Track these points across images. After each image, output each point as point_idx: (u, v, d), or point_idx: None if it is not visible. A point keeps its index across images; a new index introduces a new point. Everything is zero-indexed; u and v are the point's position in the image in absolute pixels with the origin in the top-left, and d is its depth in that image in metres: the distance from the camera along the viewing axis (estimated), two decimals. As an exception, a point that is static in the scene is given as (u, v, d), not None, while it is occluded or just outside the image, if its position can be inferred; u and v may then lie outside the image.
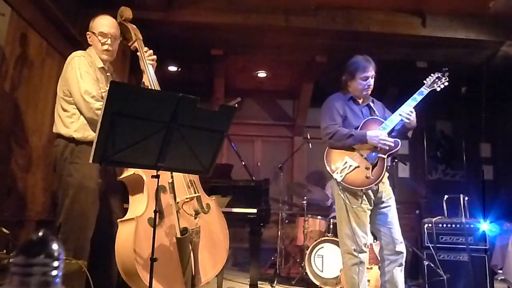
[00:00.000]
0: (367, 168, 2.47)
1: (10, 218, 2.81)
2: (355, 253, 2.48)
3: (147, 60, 2.38)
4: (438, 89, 2.65)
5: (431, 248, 3.62)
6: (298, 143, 6.14)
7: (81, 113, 2.23)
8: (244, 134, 6.23)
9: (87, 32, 2.40)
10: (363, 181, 2.45)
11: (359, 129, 2.59)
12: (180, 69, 5.54)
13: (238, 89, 6.13)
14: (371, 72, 2.65)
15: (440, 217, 3.80)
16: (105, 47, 2.34)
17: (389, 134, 2.53)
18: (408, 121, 2.53)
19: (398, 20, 4.37)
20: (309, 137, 4.93)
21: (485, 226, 3.59)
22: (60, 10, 3.32)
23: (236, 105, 2.86)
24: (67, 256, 1.94)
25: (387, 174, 2.64)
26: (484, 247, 3.51)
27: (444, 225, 3.70)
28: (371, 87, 2.68)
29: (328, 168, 2.56)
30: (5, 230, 1.91)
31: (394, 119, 2.55)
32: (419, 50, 4.77)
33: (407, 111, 2.53)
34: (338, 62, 5.15)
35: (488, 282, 3.43)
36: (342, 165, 2.50)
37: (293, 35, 4.53)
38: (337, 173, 2.49)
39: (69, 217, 2.16)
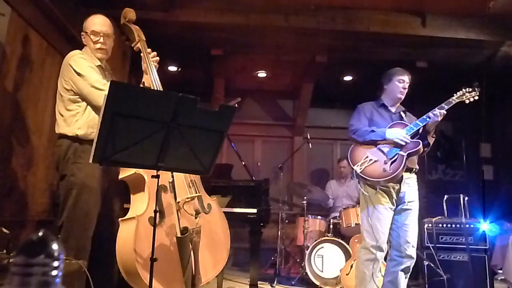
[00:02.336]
0: (385, 162, 2.61)
1: (11, 218, 2.82)
2: (372, 249, 2.58)
3: (152, 62, 2.38)
4: (467, 101, 2.79)
5: (431, 248, 3.62)
6: (298, 143, 6.14)
7: (92, 105, 2.21)
8: (244, 134, 6.23)
9: (82, 33, 2.40)
10: (380, 173, 2.59)
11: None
12: (180, 69, 5.54)
13: (238, 89, 6.13)
14: (407, 78, 2.83)
15: (440, 217, 3.79)
16: (98, 45, 2.34)
17: (413, 137, 2.65)
18: (436, 119, 2.62)
19: (398, 20, 4.37)
20: (309, 137, 4.94)
21: (485, 226, 3.59)
22: (60, 10, 3.32)
23: (236, 105, 2.86)
24: (68, 255, 1.94)
25: (414, 176, 2.78)
26: (484, 247, 3.51)
27: (444, 225, 3.70)
28: (405, 93, 2.82)
29: (351, 163, 2.73)
30: (5, 230, 1.91)
31: (419, 123, 2.67)
32: (419, 50, 4.77)
33: (432, 114, 2.64)
34: (338, 62, 5.22)
35: (488, 282, 3.43)
36: (363, 159, 2.66)
37: (293, 35, 4.53)
38: (358, 165, 2.65)
39: (72, 216, 2.16)
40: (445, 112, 2.65)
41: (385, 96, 2.88)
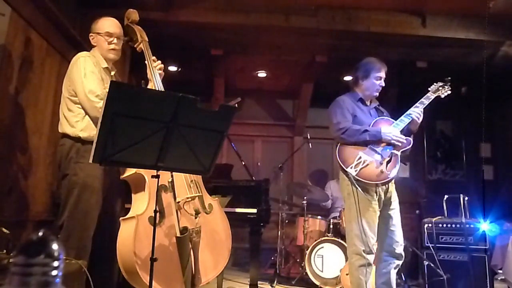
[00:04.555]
0: (380, 163, 2.49)
1: (10, 218, 2.81)
2: (364, 254, 2.46)
3: (156, 70, 2.40)
4: (442, 96, 2.74)
5: (431, 248, 3.62)
6: (298, 143, 6.14)
7: (85, 112, 2.24)
8: (244, 134, 6.23)
9: (90, 34, 2.42)
10: (378, 175, 2.46)
11: (370, 127, 2.62)
12: (180, 69, 5.54)
13: (238, 89, 6.13)
14: (384, 74, 2.72)
15: (440, 217, 3.79)
16: (112, 46, 2.39)
17: (400, 133, 2.59)
18: (418, 120, 2.59)
19: (398, 20, 4.37)
20: (309, 137, 4.94)
21: (485, 226, 3.59)
22: (60, 10, 3.32)
23: (236, 105, 2.86)
24: (69, 255, 1.94)
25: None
26: (484, 247, 3.51)
27: (444, 225, 3.70)
28: (380, 89, 2.74)
29: (341, 164, 2.53)
30: (5, 230, 1.92)
31: (404, 120, 2.60)
32: (419, 50, 4.77)
33: (416, 112, 2.60)
34: (338, 62, 5.22)
35: (488, 282, 3.43)
36: (356, 160, 2.49)
37: (293, 35, 4.53)
38: (351, 167, 2.47)
39: (73, 215, 2.17)
40: (421, 113, 2.61)
41: (361, 91, 2.75)
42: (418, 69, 5.04)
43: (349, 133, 2.54)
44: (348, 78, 5.78)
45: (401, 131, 2.58)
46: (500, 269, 3.87)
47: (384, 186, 2.57)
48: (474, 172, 6.00)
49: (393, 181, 2.65)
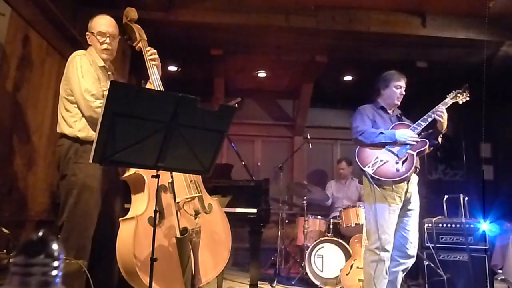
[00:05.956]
0: (396, 162, 2.61)
1: (10, 218, 2.81)
2: (377, 251, 2.57)
3: (150, 60, 2.39)
4: (460, 102, 2.85)
5: (431, 248, 3.62)
6: (298, 143, 6.14)
7: (80, 111, 2.24)
8: (244, 134, 6.23)
9: (87, 33, 2.42)
10: (394, 173, 2.59)
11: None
12: (180, 69, 5.53)
13: (238, 89, 6.12)
14: (403, 83, 2.85)
15: (440, 217, 3.79)
16: (104, 46, 2.36)
17: (418, 136, 2.68)
18: (441, 119, 2.68)
19: (398, 20, 4.37)
20: (309, 137, 4.94)
21: (485, 226, 3.59)
22: (60, 10, 3.32)
23: (236, 105, 2.86)
24: (68, 255, 1.94)
25: (416, 178, 2.77)
26: (484, 247, 3.51)
27: (444, 225, 3.70)
28: (401, 98, 2.86)
29: (359, 165, 2.69)
30: (5, 230, 1.91)
31: (422, 123, 2.70)
32: (419, 50, 4.77)
33: (439, 111, 2.69)
34: (338, 62, 5.22)
35: (488, 282, 3.42)
36: (374, 160, 2.64)
37: (293, 35, 4.53)
38: (369, 167, 2.62)
39: (72, 216, 2.17)
40: (445, 112, 2.69)
41: (382, 100, 2.91)
42: (418, 69, 5.03)
43: (365, 135, 2.69)
44: (348, 78, 5.80)
45: (419, 134, 2.68)
46: (500, 269, 3.87)
47: (403, 186, 2.64)
48: (474, 172, 5.99)
49: (415, 183, 2.75)
